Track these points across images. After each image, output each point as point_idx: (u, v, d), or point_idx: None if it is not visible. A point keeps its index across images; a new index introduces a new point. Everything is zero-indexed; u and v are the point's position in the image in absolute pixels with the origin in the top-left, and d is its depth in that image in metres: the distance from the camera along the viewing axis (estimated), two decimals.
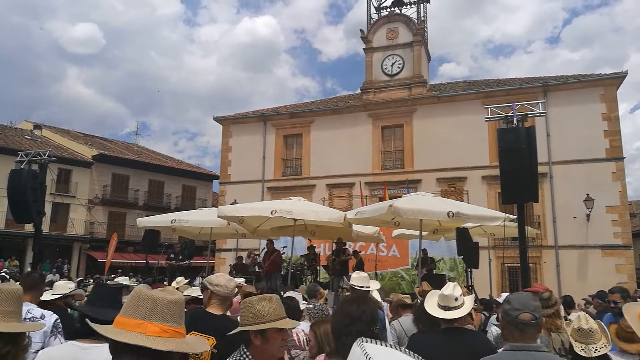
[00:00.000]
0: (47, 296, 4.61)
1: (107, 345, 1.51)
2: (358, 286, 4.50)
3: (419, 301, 5.10)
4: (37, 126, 36.21)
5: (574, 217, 20.28)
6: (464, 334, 3.17)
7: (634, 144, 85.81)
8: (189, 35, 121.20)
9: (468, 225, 10.38)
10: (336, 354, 2.22)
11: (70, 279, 16.59)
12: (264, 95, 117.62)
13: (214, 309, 3.12)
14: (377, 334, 2.13)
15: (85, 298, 7.41)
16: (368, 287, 4.58)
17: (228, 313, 3.34)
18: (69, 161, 30.70)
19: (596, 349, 2.82)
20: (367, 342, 1.23)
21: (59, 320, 3.50)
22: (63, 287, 4.95)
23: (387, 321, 4.83)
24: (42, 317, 3.44)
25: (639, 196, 68.64)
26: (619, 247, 19.96)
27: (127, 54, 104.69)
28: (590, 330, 2.87)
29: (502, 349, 2.54)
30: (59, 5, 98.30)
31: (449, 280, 13.37)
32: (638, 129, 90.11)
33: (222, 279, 3.27)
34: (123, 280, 8.93)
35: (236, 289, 3.20)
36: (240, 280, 8.02)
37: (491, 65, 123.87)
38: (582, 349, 2.86)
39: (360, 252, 14.28)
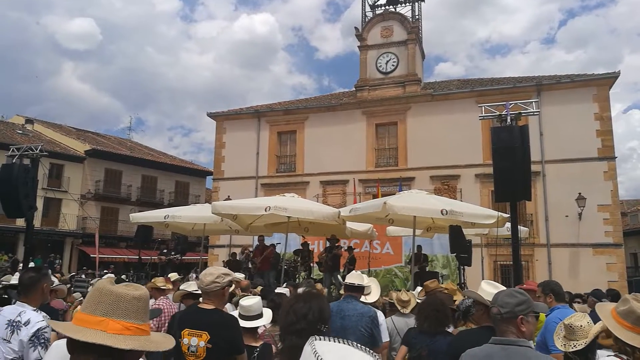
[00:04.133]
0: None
1: None
2: (350, 283, 4.47)
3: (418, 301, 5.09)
4: (29, 120, 35.80)
5: (566, 216, 20.43)
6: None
7: (626, 143, 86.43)
8: (186, 32, 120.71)
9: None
10: (281, 354, 2.02)
11: (62, 274, 16.57)
12: (260, 92, 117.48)
13: (205, 304, 3.22)
14: (325, 333, 1.94)
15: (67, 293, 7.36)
16: (361, 284, 4.53)
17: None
18: (61, 156, 30.46)
19: (574, 346, 2.82)
20: (318, 339, 1.22)
21: (44, 330, 2.99)
22: None
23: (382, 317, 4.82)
24: (27, 323, 2.98)
25: (630, 195, 69.32)
26: (610, 246, 20.14)
27: (124, 50, 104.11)
28: (571, 327, 2.86)
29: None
30: (56, 1, 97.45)
31: (442, 278, 13.46)
32: (631, 129, 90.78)
33: (203, 274, 3.32)
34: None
35: (216, 282, 3.19)
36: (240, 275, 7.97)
37: (487, 65, 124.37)
38: (563, 345, 2.87)
39: (354, 249, 14.30)
